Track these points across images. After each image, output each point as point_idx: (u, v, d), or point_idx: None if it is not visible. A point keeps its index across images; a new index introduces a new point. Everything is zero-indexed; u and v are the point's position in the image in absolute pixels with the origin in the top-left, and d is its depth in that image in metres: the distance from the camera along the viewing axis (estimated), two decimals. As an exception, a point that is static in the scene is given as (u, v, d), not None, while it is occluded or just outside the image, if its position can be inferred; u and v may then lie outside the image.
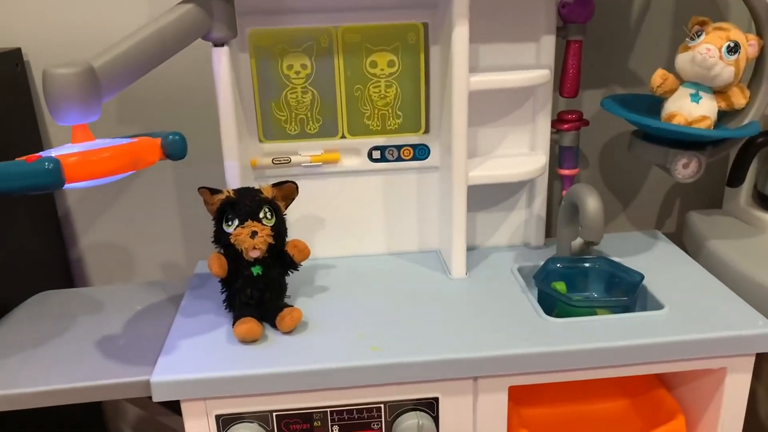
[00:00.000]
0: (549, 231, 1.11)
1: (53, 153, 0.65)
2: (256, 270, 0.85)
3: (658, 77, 0.91)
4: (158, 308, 0.94)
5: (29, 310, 0.97)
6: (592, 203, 0.86)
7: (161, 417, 0.90)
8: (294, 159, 0.97)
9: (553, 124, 1.00)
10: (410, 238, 1.03)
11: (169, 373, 0.76)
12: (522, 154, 1.00)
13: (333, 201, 1.00)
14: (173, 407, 0.81)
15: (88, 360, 0.82)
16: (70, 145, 0.70)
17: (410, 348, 0.78)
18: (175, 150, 0.74)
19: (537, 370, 0.79)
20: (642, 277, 0.90)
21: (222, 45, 0.84)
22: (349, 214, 1.01)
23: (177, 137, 0.74)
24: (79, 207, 1.14)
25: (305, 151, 0.97)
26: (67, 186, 0.65)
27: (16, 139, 1.01)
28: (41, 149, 0.99)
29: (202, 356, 0.79)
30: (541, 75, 0.91)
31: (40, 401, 0.78)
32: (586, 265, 0.95)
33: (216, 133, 0.90)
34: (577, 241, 0.96)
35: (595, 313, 0.87)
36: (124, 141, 0.71)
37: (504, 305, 0.87)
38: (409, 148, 0.99)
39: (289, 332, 0.83)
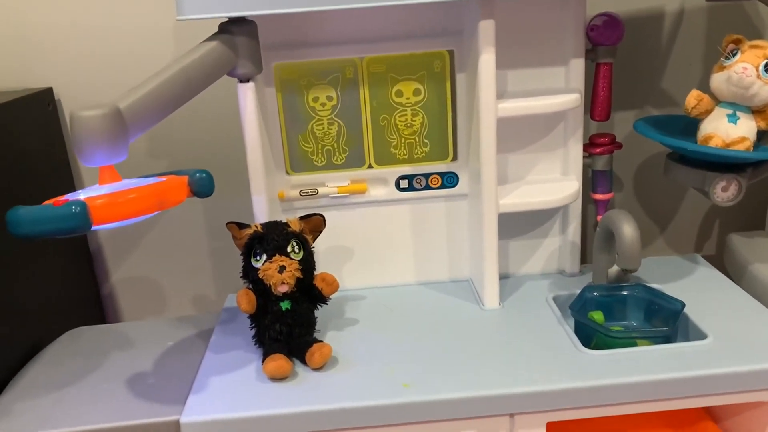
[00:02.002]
0: (584, 257, 1.08)
1: (81, 195, 0.65)
2: (284, 305, 0.84)
3: (693, 98, 0.88)
4: (188, 344, 0.94)
5: (61, 348, 0.97)
6: (628, 230, 0.84)
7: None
8: (321, 190, 0.96)
9: (585, 148, 0.98)
10: (440, 268, 1.02)
11: (198, 413, 0.75)
12: (554, 179, 0.98)
13: (361, 231, 0.99)
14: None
15: (119, 398, 0.82)
16: (98, 187, 0.70)
17: (443, 384, 0.76)
18: (202, 188, 0.74)
19: (577, 406, 0.76)
20: (683, 305, 0.86)
21: (247, 81, 0.84)
22: (378, 244, 1.00)
23: (204, 175, 0.74)
24: (110, 242, 1.15)
25: (332, 182, 0.96)
26: (94, 228, 0.65)
27: (48, 179, 1.02)
28: (72, 188, 1.00)
29: (232, 395, 0.78)
30: (571, 99, 0.89)
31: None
32: (624, 293, 0.92)
33: (245, 167, 0.90)
34: (614, 268, 0.93)
35: (635, 344, 0.83)
36: (151, 180, 0.71)
37: (540, 337, 0.85)
38: (437, 176, 0.97)
39: (319, 368, 0.81)
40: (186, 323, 1.00)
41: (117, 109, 0.69)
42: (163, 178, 0.72)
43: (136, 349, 0.94)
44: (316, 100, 0.93)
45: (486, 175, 0.88)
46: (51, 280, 1.02)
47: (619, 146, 0.99)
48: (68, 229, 0.61)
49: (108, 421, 0.78)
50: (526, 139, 0.97)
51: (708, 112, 0.89)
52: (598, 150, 0.98)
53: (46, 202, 0.64)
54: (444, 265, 1.01)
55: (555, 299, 0.94)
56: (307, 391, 0.77)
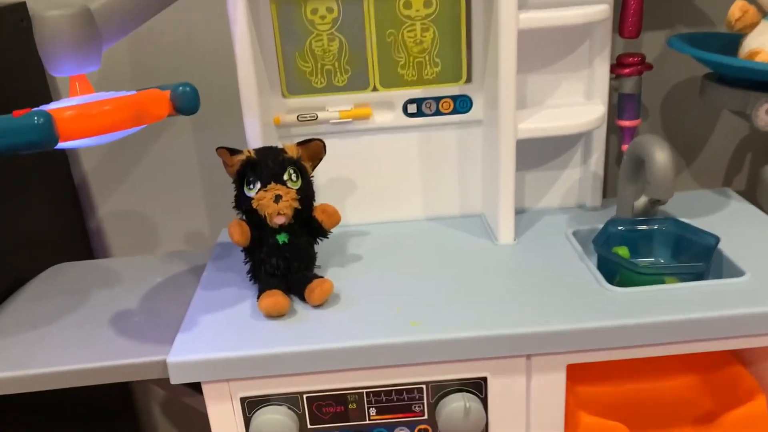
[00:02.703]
0: (605, 190, 1.00)
1: (47, 107, 0.57)
2: (281, 238, 0.77)
3: (737, 9, 0.79)
4: (178, 280, 0.87)
5: (43, 284, 0.91)
6: (661, 157, 0.75)
7: (185, 398, 0.83)
8: (321, 115, 0.88)
9: (612, 69, 0.89)
10: (451, 202, 0.94)
11: (187, 352, 0.69)
12: (577, 103, 0.89)
13: (364, 161, 0.91)
14: (198, 388, 0.74)
15: (103, 338, 0.76)
16: (68, 99, 0.62)
17: (455, 323, 0.70)
18: (185, 103, 0.65)
19: (600, 347, 0.69)
20: (717, 239, 0.79)
21: (237, -14, 0.75)
22: (383, 175, 0.92)
23: (188, 89, 0.66)
24: (96, 174, 1.07)
25: (333, 106, 0.88)
26: (62, 145, 0.57)
27: (22, 100, 0.94)
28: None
29: (225, 333, 0.71)
30: (599, 10, 0.80)
31: (52, 383, 0.72)
32: (652, 227, 0.84)
33: (236, 90, 0.81)
34: (641, 201, 0.86)
35: (663, 282, 0.76)
36: (129, 93, 0.63)
37: (560, 274, 0.78)
38: (449, 100, 0.88)
39: (319, 305, 0.75)
40: (176, 259, 0.93)
41: (86, 9, 0.61)
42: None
43: (123, 287, 0.87)
44: (314, 12, 0.84)
45: (504, 95, 0.79)
46: (33, 212, 0.95)
47: (650, 67, 0.90)
48: (30, 143, 0.54)
49: (91, 361, 0.72)
50: (547, 59, 0.88)
51: (753, 25, 0.80)
52: (626, 71, 0.89)
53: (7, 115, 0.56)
54: (455, 198, 0.94)
55: (575, 234, 0.87)
56: (306, 330, 0.71)
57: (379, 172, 0.92)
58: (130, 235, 1.11)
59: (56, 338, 0.77)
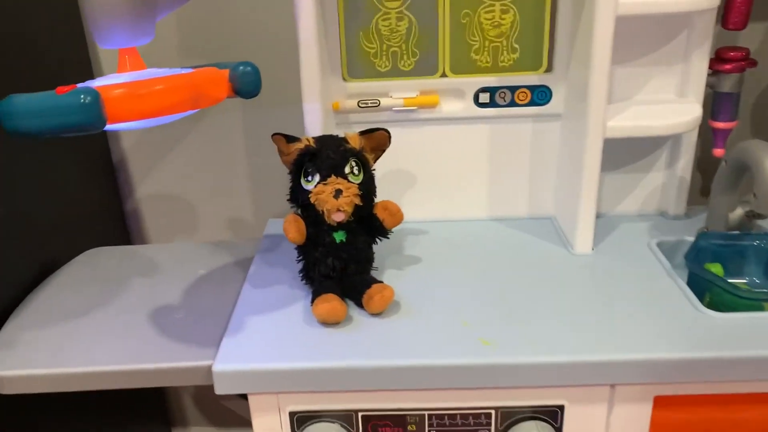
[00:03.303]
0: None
1: (94, 84, 0.50)
2: (339, 236, 0.70)
3: None
4: (223, 274, 0.81)
5: (77, 270, 0.85)
6: (773, 166, 0.66)
7: (227, 402, 0.77)
8: (384, 102, 0.80)
9: (711, 63, 0.79)
10: (519, 201, 0.86)
11: (234, 360, 0.62)
12: (668, 101, 0.80)
13: (428, 153, 0.83)
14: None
15: (141, 335, 0.70)
16: (116, 75, 0.55)
17: (530, 344, 0.62)
18: (246, 84, 0.58)
19: (695, 380, 0.61)
20: (826, 262, 0.70)
21: (304, -46, 0.67)
22: (447, 169, 0.84)
23: (249, 68, 0.58)
24: (135, 152, 1.01)
25: (398, 93, 0.80)
26: (109, 127, 0.50)
27: (62, 76, 0.87)
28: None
29: (275, 340, 0.65)
30: (709, -3, 0.70)
31: (84, 384, 0.66)
32: (752, 242, 0.75)
33: (292, 69, 0.74)
34: (736, 213, 0.77)
35: (762, 308, 0.68)
36: (184, 71, 0.56)
37: (646, 291, 0.69)
38: (526, 90, 0.80)
39: (378, 314, 0.68)
40: (220, 249, 0.87)
41: (140, -26, 0.53)
42: (198, 70, 0.56)
43: (162, 277, 0.81)
44: (384, -13, 0.76)
45: (595, 89, 0.70)
46: (67, 192, 0.89)
47: (753, 63, 0.80)
48: (75, 125, 0.47)
49: (127, 362, 0.66)
50: (638, 49, 0.79)
51: None
52: (727, 67, 0.79)
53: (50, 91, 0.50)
54: (524, 198, 0.86)
55: (660, 245, 0.78)
56: (363, 341, 0.64)
57: (443, 166, 0.84)
58: (168, 218, 1.05)
59: (89, 333, 0.71)
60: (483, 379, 0.61)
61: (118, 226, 1.03)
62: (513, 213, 0.86)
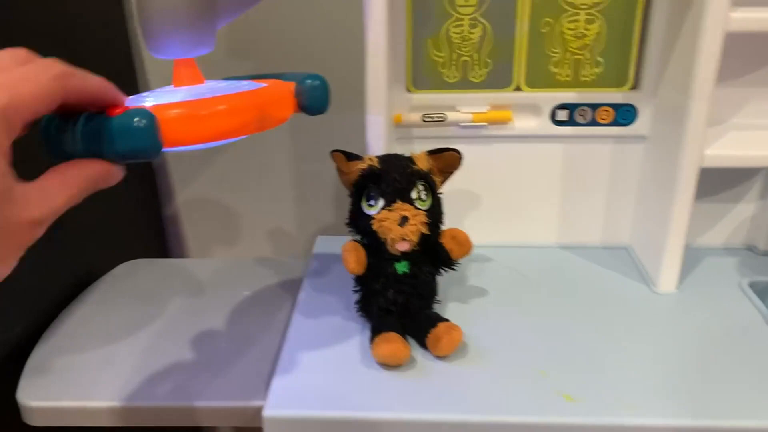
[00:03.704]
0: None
1: (148, 101, 0.44)
2: (401, 267, 0.63)
3: None
4: (269, 297, 0.75)
5: (114, 286, 0.79)
6: None
7: None
8: (451, 116, 0.73)
9: (819, 85, 0.71)
10: (592, 228, 0.78)
11: (287, 405, 0.56)
12: (765, 126, 0.72)
13: (495, 173, 0.76)
14: None
15: (181, 365, 0.64)
16: (171, 89, 0.49)
17: (620, 402, 0.55)
18: (314, 101, 0.51)
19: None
20: None
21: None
22: (515, 190, 0.77)
23: (317, 82, 0.52)
24: (175, 155, 0.95)
25: (467, 107, 0.73)
26: (165, 150, 0.44)
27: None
28: (135, 90, 0.80)
29: (331, 382, 0.58)
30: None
31: (118, 419, 0.61)
32: None
33: (349, 75, 0.67)
34: (843, 254, 0.69)
35: None
36: (246, 86, 0.49)
37: (745, 344, 0.62)
38: (609, 108, 0.72)
39: (444, 357, 0.61)
40: (265, 267, 0.81)
41: (202, -24, 0.47)
42: (262, 83, 0.50)
43: (204, 297, 0.76)
44: (459, -9, 0.69)
45: (695, 114, 0.62)
46: (104, 196, 0.83)
47: None
48: (127, 151, 0.40)
49: (166, 398, 0.60)
50: (738, 67, 0.71)
51: None
52: (838, 89, 0.71)
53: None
54: (597, 225, 0.78)
55: (752, 286, 0.70)
56: (430, 390, 0.57)
57: (511, 187, 0.77)
58: (207, 224, 1.00)
59: (127, 360, 0.65)
60: (565, 440, 0.54)
61: (155, 231, 0.97)
62: (585, 240, 0.79)
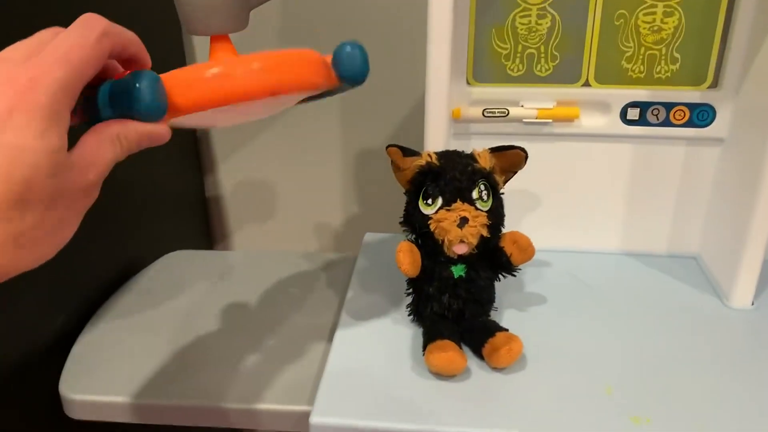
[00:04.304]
0: None
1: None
2: (458, 270, 0.59)
3: None
4: (316, 296, 0.72)
5: (158, 277, 0.78)
6: None
7: None
8: (513, 112, 0.69)
9: None
10: (660, 236, 0.74)
11: (335, 413, 0.53)
12: None
13: (559, 173, 0.72)
14: None
15: (227, 363, 0.62)
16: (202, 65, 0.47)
17: (696, 426, 0.51)
18: (350, 68, 0.47)
19: None
20: None
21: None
22: (578, 192, 0.73)
23: (354, 50, 0.48)
24: (220, 135, 0.93)
25: (531, 102, 0.69)
26: (180, 121, 0.42)
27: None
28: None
29: (380, 391, 0.55)
30: None
31: (162, 418, 0.59)
32: None
33: (407, 64, 0.64)
34: None
35: None
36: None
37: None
38: (685, 108, 0.68)
39: (501, 369, 0.58)
40: (311, 263, 0.79)
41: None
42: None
43: (250, 293, 0.73)
44: (528, -22, 0.65)
45: (785, 116, 0.57)
46: (148, 180, 0.81)
47: None
48: (130, 109, 0.38)
49: (211, 397, 0.58)
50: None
51: None
52: None
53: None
54: (665, 232, 0.73)
55: (836, 305, 0.65)
56: (487, 405, 0.54)
57: (575, 189, 0.72)
58: (250, 214, 0.97)
59: (172, 355, 0.63)
60: (633, 466, 0.50)
61: (200, 221, 0.96)
62: (650, 248, 0.74)
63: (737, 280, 0.64)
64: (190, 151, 0.91)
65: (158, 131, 0.39)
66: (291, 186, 0.94)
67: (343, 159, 0.90)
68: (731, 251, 0.65)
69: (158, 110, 0.39)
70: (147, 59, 0.42)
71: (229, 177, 0.95)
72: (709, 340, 0.61)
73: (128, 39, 0.40)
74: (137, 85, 0.38)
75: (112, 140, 0.37)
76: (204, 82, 0.41)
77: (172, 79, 0.40)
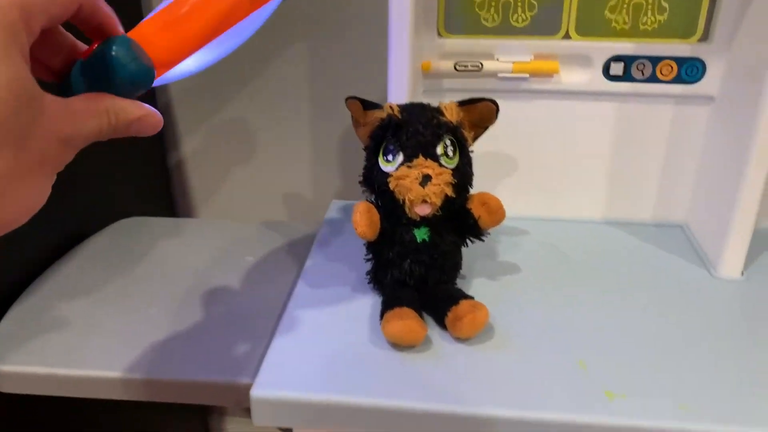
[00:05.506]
0: None
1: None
2: (421, 234, 0.54)
3: None
4: (274, 265, 0.68)
5: (106, 244, 0.73)
6: None
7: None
8: (487, 66, 0.64)
9: None
10: (644, 203, 0.69)
11: (279, 386, 0.48)
12: None
13: (537, 134, 0.67)
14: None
15: (169, 335, 0.57)
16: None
17: (675, 401, 0.46)
18: None
19: None
20: None
21: None
22: (558, 156, 0.68)
23: None
24: (182, 96, 0.87)
25: (506, 55, 0.63)
26: (165, 79, 0.38)
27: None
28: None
29: (331, 362, 0.50)
30: None
31: (95, 391, 0.54)
32: None
33: (375, 16, 0.59)
34: None
35: None
36: None
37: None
38: (672, 62, 0.62)
39: (465, 339, 0.53)
40: (272, 231, 0.74)
41: None
42: None
43: (203, 262, 0.69)
44: None
45: (780, 66, 0.52)
46: (105, 147, 0.76)
47: None
48: (117, 84, 0.34)
49: (148, 370, 0.53)
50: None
51: None
52: None
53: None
54: (650, 199, 0.68)
55: (831, 276, 0.60)
56: (446, 377, 0.49)
57: (554, 151, 0.67)
58: (214, 176, 0.92)
59: (110, 326, 0.59)
60: (605, 445, 0.46)
61: (161, 189, 0.90)
62: (635, 216, 0.69)
63: (726, 249, 0.60)
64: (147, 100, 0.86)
65: (152, 116, 0.36)
66: (259, 155, 0.89)
67: (312, 125, 0.85)
68: (720, 219, 0.60)
69: (146, 74, 0.35)
70: (117, 23, 0.37)
71: (193, 149, 0.90)
72: (695, 312, 0.56)
73: (99, 2, 0.35)
74: (113, 53, 0.34)
75: (100, 112, 0.33)
76: (184, 20, 0.37)
77: (146, 32, 0.36)
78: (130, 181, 0.83)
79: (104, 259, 0.69)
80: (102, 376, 0.53)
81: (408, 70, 0.58)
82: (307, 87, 0.83)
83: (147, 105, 0.35)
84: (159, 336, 0.57)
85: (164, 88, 0.86)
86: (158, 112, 0.36)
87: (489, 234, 0.57)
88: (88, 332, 0.58)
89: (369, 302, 0.57)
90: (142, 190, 0.86)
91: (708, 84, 0.62)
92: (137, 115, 0.35)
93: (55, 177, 0.33)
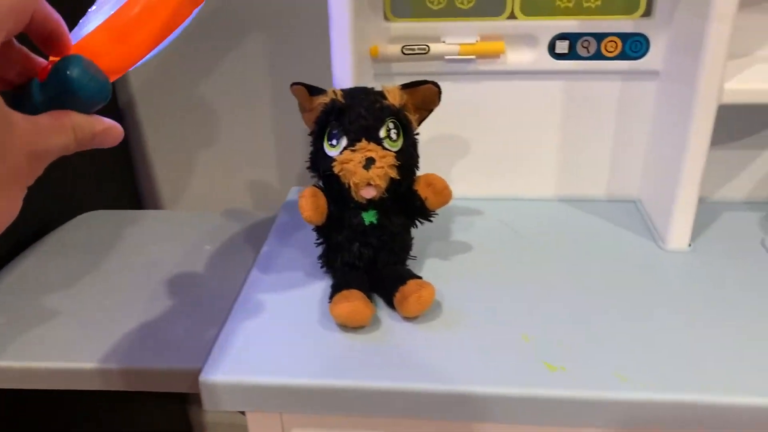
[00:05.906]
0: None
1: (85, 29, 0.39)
2: (368, 217, 0.55)
3: None
4: (232, 253, 0.68)
5: (66, 239, 0.73)
6: None
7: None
8: (434, 48, 0.64)
9: None
10: (598, 180, 0.70)
11: (228, 371, 0.49)
12: (800, 58, 0.62)
13: (487, 115, 0.68)
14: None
15: (123, 324, 0.57)
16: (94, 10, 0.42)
17: (614, 371, 0.47)
18: None
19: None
20: None
21: None
22: (509, 135, 0.68)
23: None
24: (144, 96, 0.87)
25: (453, 37, 0.64)
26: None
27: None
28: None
29: (281, 345, 0.51)
30: None
31: (51, 382, 0.55)
32: None
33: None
34: None
35: None
36: None
37: (766, 308, 0.53)
38: (616, 39, 0.63)
39: (412, 318, 0.54)
40: (233, 220, 0.74)
41: None
42: None
43: (161, 252, 0.69)
44: None
45: (714, 41, 0.53)
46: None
47: None
48: (79, 104, 0.35)
49: (104, 360, 0.54)
50: (768, -10, 0.61)
51: None
52: None
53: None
54: (603, 176, 0.69)
55: (777, 245, 0.62)
56: (392, 356, 0.50)
57: (504, 131, 0.68)
58: (179, 168, 0.92)
59: (67, 317, 0.59)
60: (546, 415, 0.47)
61: (125, 181, 0.91)
62: (588, 193, 0.70)
63: (672, 221, 0.61)
64: (112, 107, 0.86)
65: (114, 129, 0.37)
66: (225, 144, 0.89)
67: (271, 110, 0.85)
68: (666, 192, 0.61)
69: (102, 90, 0.36)
70: (66, 30, 0.37)
71: (157, 137, 0.90)
72: (641, 284, 0.57)
73: (53, 12, 0.36)
74: (69, 74, 0.34)
75: (66, 129, 0.34)
76: (132, 28, 0.38)
77: (96, 44, 0.37)
78: (94, 175, 0.83)
79: (66, 252, 0.70)
80: (67, 367, 0.54)
81: (351, 55, 0.58)
82: (268, 75, 0.83)
83: (107, 119, 0.37)
84: (123, 326, 0.57)
85: (125, 79, 0.86)
86: (118, 125, 0.38)
87: (437, 215, 0.58)
88: (52, 325, 0.58)
89: (321, 286, 0.58)
90: (107, 184, 0.86)
91: (652, 59, 0.63)
92: (99, 129, 0.36)
93: (26, 190, 0.33)
